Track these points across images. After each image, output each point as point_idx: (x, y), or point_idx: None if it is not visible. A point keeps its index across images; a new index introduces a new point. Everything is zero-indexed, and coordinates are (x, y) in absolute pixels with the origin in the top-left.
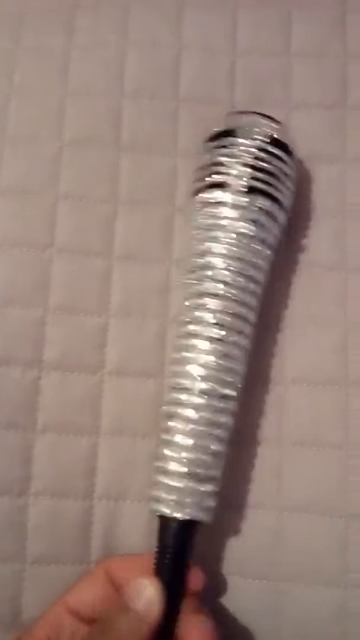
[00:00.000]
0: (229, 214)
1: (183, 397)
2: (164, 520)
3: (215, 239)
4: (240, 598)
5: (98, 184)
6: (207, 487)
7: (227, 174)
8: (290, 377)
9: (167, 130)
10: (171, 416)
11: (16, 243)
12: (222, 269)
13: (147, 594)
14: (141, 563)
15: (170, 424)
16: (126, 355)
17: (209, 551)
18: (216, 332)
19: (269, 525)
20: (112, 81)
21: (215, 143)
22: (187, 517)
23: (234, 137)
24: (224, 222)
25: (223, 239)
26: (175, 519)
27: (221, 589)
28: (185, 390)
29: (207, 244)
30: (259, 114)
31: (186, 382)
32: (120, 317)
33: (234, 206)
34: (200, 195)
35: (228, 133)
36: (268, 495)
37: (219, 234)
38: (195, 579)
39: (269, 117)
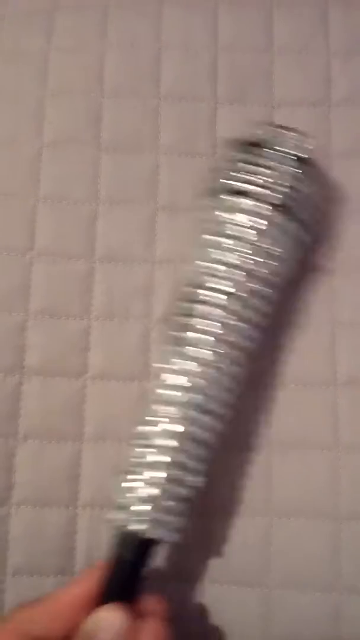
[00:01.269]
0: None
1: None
2: (124, 535)
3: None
4: (231, 606)
5: (78, 184)
6: (175, 506)
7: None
8: (278, 380)
9: (149, 128)
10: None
11: None
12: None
13: (112, 627)
14: (56, 604)
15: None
16: (109, 359)
17: (198, 559)
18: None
19: (259, 530)
20: (91, 81)
21: (257, 151)
22: (149, 535)
23: (275, 150)
24: (248, 232)
25: (238, 249)
26: (136, 535)
27: (211, 598)
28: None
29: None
30: (290, 128)
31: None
32: (103, 319)
33: (264, 218)
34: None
35: (267, 144)
36: (257, 500)
37: (235, 242)
38: (153, 604)
39: (299, 133)
